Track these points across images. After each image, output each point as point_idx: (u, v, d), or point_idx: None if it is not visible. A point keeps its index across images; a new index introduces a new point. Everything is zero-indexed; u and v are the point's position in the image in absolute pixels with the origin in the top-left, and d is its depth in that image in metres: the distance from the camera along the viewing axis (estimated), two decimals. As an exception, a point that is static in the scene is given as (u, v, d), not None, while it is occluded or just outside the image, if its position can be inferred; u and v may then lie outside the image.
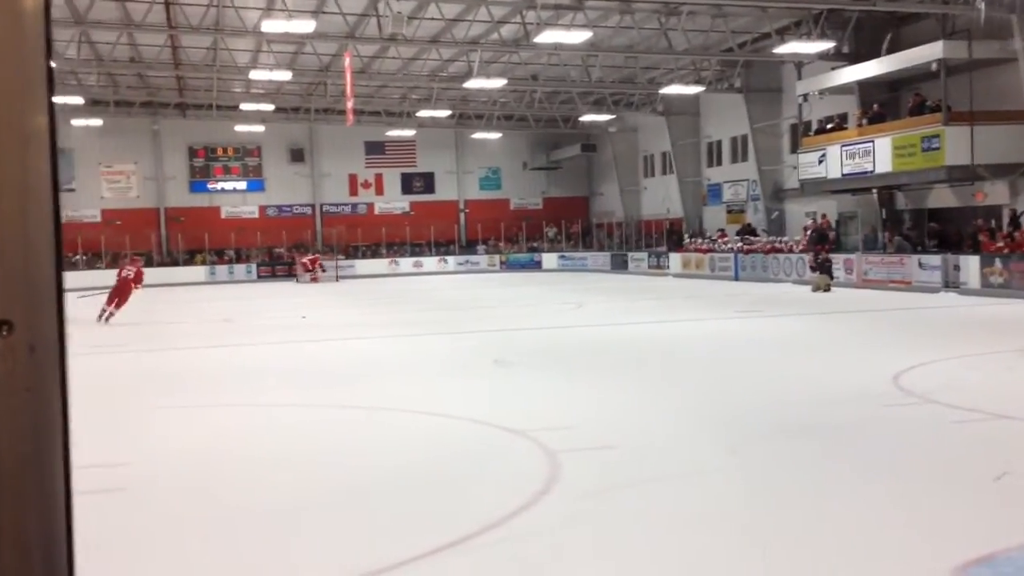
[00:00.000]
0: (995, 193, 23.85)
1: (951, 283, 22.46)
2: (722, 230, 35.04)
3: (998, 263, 21.26)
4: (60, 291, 1.16)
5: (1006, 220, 22.95)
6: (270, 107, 39.74)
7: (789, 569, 4.52)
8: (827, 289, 24.16)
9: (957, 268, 22.53)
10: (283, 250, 44.77)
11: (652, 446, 7.22)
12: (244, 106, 39.30)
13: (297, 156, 46.10)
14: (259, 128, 42.49)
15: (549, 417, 8.36)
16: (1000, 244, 21.66)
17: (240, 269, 43.01)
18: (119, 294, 20.71)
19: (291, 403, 9.73)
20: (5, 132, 1.11)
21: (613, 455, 6.88)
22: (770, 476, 6.25)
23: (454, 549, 4.87)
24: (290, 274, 41.72)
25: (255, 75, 31.61)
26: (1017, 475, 5.96)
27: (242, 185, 45.59)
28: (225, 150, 45.20)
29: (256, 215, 45.76)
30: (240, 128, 42.40)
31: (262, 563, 4.83)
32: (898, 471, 6.24)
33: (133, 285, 21.07)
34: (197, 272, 42.15)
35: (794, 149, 30.38)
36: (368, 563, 4.67)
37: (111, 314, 20.18)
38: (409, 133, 44.38)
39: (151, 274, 40.91)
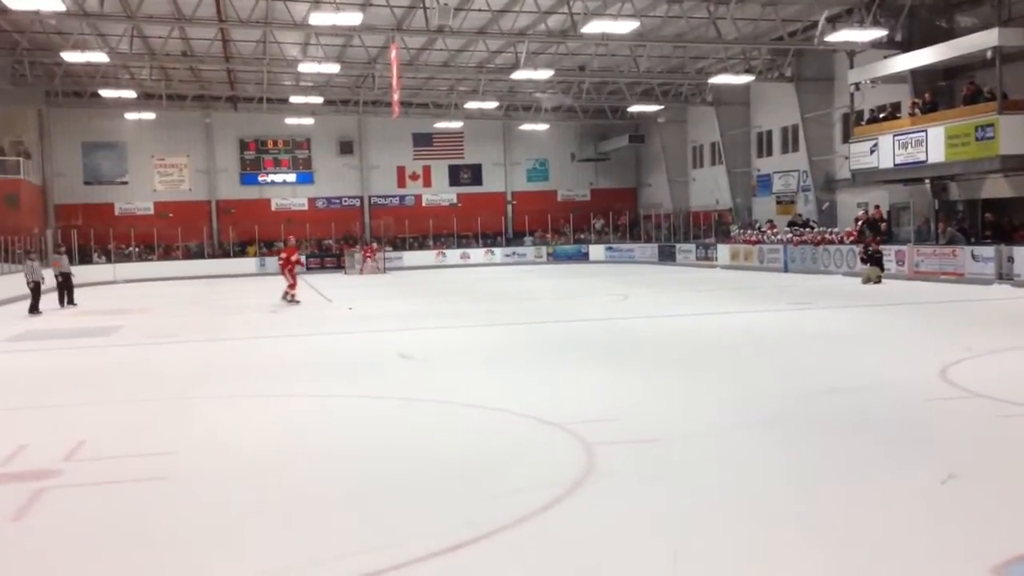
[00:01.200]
0: (1053, 183, 23.34)
1: (1004, 275, 22.03)
2: (771, 221, 34.65)
3: (1055, 255, 20.78)
4: None
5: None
6: (319, 100, 40.06)
7: (825, 561, 4.47)
8: (878, 281, 23.81)
9: (1011, 260, 22.09)
10: (332, 242, 45.14)
11: (694, 439, 7.16)
12: (294, 99, 39.67)
13: (346, 148, 46.43)
14: (308, 120, 42.86)
15: (590, 409, 8.34)
16: (1057, 235, 21.18)
17: (289, 261, 43.36)
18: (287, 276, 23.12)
19: (337, 394, 9.82)
20: None
21: (653, 448, 6.85)
22: (812, 469, 6.18)
23: (488, 540, 4.89)
24: (339, 266, 42.06)
25: (304, 68, 31.89)
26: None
27: (292, 177, 46.05)
28: (275, 143, 45.69)
29: (305, 207, 46.21)
30: (290, 121, 42.82)
31: (297, 550, 4.88)
32: (942, 465, 6.13)
33: (291, 265, 23.17)
34: (248, 264, 42.68)
35: (846, 139, 29.94)
36: (401, 553, 4.70)
37: (291, 296, 22.69)
38: (456, 125, 44.51)
39: (202, 266, 41.76)
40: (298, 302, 22.27)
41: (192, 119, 43.63)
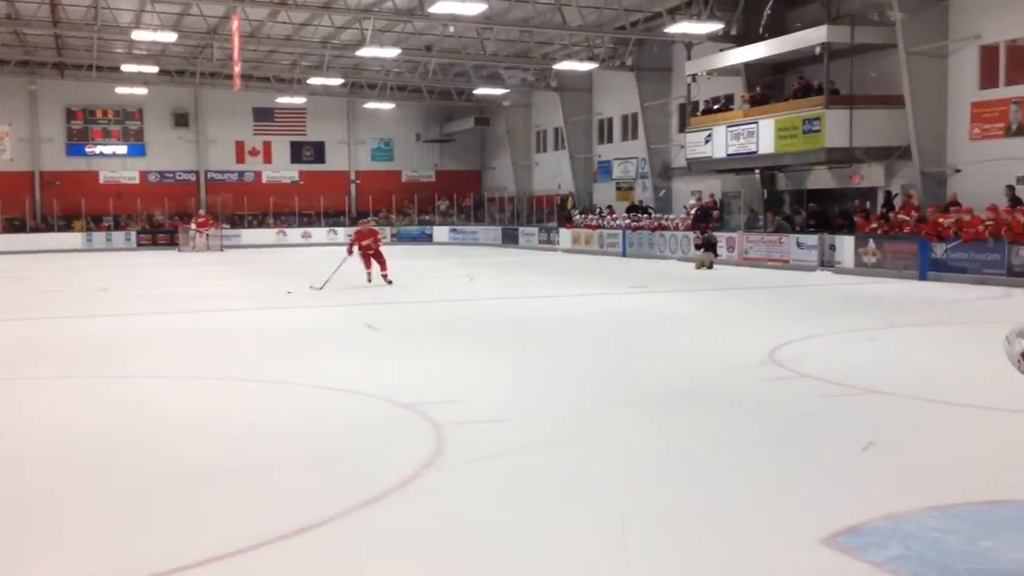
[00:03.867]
0: (871, 175, 24.80)
1: (827, 262, 23.30)
2: (611, 206, 35.50)
3: (871, 243, 22.13)
4: None
5: (880, 202, 23.90)
6: (154, 69, 38.38)
7: (657, 539, 4.65)
8: (710, 266, 24.77)
9: (833, 248, 23.39)
10: (164, 217, 43.51)
11: (540, 419, 7.30)
12: (126, 67, 37.86)
13: (181, 121, 44.79)
14: (142, 91, 41.07)
15: (439, 390, 8.38)
16: (874, 225, 22.53)
17: (119, 236, 41.63)
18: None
19: (173, 375, 9.52)
20: None
21: (501, 429, 6.95)
22: (645, 446, 6.40)
23: (331, 523, 4.86)
24: (172, 243, 40.58)
25: (138, 35, 30.51)
26: (882, 446, 6.25)
27: (122, 149, 44.08)
28: (105, 113, 43.60)
29: (137, 181, 44.33)
30: (121, 90, 40.90)
31: (136, 534, 4.72)
32: (770, 443, 6.47)
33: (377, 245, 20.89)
34: (73, 239, 40.66)
35: (682, 128, 30.93)
36: (243, 537, 4.62)
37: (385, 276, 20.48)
38: (299, 101, 43.53)
39: (23, 240, 39.48)
40: (390, 282, 20.08)
41: (15, 85, 41.14)
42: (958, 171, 22.32)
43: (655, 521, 4.88)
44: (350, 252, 20.42)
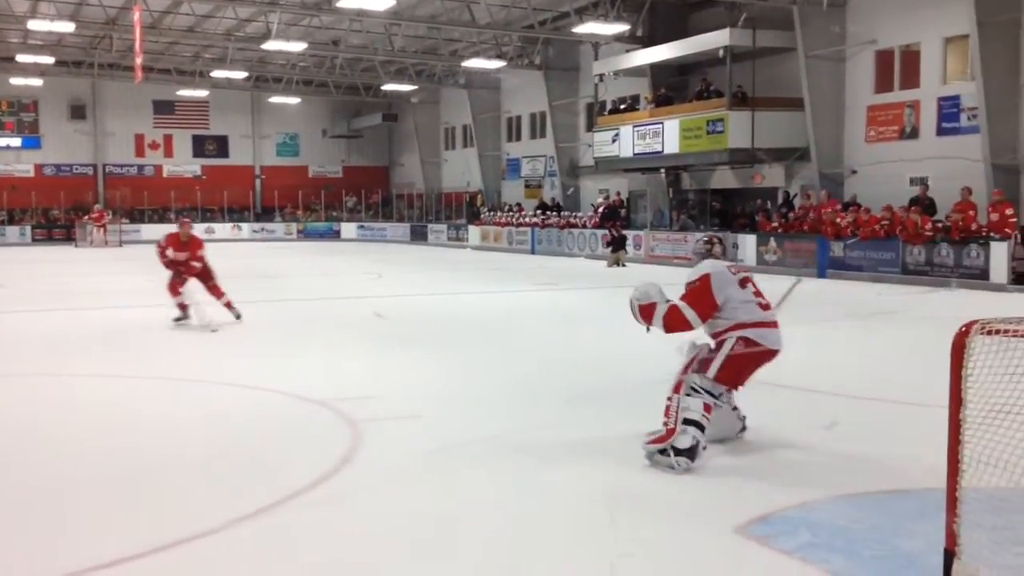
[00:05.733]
0: (772, 176, 25.47)
1: (730, 260, 23.82)
2: (519, 204, 35.69)
3: (772, 242, 22.75)
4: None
5: (780, 201, 24.57)
6: (50, 60, 37.12)
7: (572, 527, 4.73)
8: (621, 264, 25.13)
9: (736, 246, 23.93)
10: (60, 212, 42.14)
11: (454, 414, 7.34)
12: (20, 57, 36.52)
13: (78, 113, 43.47)
14: (37, 82, 39.68)
15: (353, 387, 8.34)
16: (775, 224, 23.15)
17: (12, 231, 40.21)
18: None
19: (80, 373, 9.26)
20: None
21: (416, 424, 6.97)
22: (562, 439, 6.49)
23: (247, 521, 4.82)
24: (68, 237, 39.33)
25: (34, 25, 29.48)
26: (790, 439, 6.45)
27: (16, 142, 42.56)
28: (-3, 104, 42.03)
29: (31, 174, 42.86)
30: (15, 81, 39.48)
31: (38, 539, 4.61)
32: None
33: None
34: (-36, 233, 39.11)
35: (590, 127, 31.29)
36: (153, 539, 4.55)
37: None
38: (202, 94, 42.63)
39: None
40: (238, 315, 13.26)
41: (-103, 73, 39.39)
42: (855, 172, 23.11)
43: (572, 511, 4.96)
44: (167, 267, 13.03)
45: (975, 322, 3.57)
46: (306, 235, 43.88)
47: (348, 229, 44.47)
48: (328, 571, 4.25)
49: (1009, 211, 18.17)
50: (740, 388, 6.06)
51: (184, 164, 45.64)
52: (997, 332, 3.58)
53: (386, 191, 48.00)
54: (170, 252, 12.94)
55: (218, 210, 44.65)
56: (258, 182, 47.05)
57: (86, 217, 38.16)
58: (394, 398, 7.90)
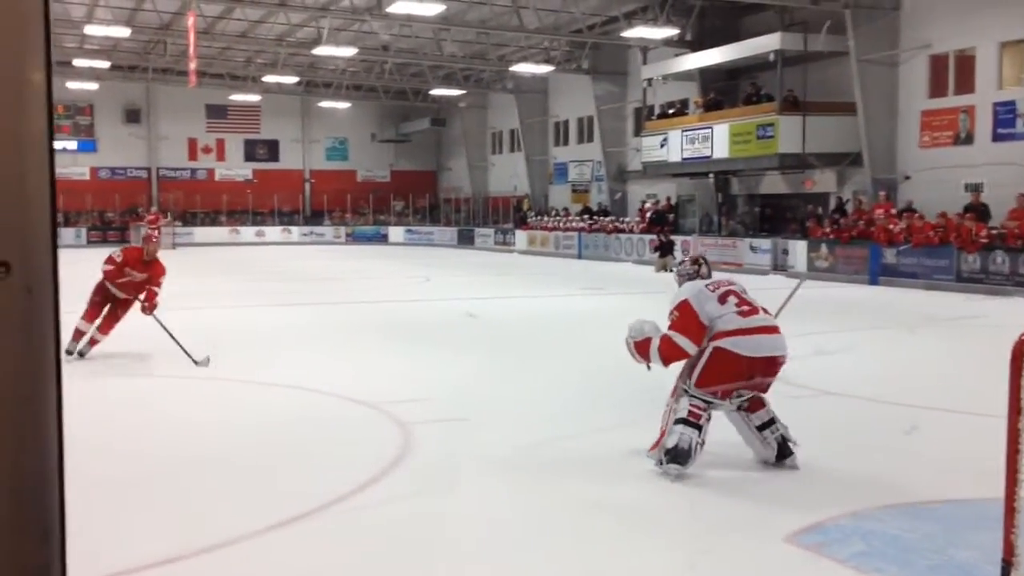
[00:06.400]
0: (823, 181, 25.19)
1: (779, 266, 23.64)
2: (566, 208, 35.68)
3: (823, 248, 22.50)
4: (54, 236, 1.22)
5: (831, 207, 24.30)
6: (105, 64, 37.88)
7: (625, 537, 4.72)
8: (669, 269, 25.00)
9: (785, 252, 23.73)
10: (115, 215, 42.89)
11: (502, 418, 7.36)
12: (77, 62, 37.30)
13: (133, 117, 44.21)
14: (92, 86, 40.44)
15: (402, 390, 8.39)
16: (826, 230, 22.90)
17: (69, 234, 40.96)
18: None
19: (133, 373, 9.43)
20: (3, 85, 1.15)
21: (464, 427, 7.01)
22: (612, 445, 6.48)
23: (304, 520, 4.88)
24: (123, 239, 39.99)
25: (90, 30, 30.07)
26: (840, 447, 6.39)
27: (72, 145, 43.32)
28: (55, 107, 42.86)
29: (87, 177, 43.61)
30: (72, 85, 40.24)
31: (99, 530, 4.70)
32: (734, 444, 6.57)
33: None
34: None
35: (638, 132, 31.18)
36: (213, 536, 4.62)
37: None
38: (253, 98, 43.20)
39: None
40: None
41: (-40, 77, 40.27)
42: (908, 178, 22.78)
43: (624, 519, 4.96)
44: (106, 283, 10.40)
45: (1035, 330, 3.52)
46: (354, 239, 44.22)
47: (396, 233, 44.74)
48: (371, 571, 4.29)
49: (1067, 218, 17.81)
50: (730, 399, 5.75)
51: (236, 168, 46.23)
52: (1058, 340, 3.52)
53: (434, 195, 48.22)
54: (129, 271, 10.24)
55: (268, 213, 45.18)
56: (308, 186, 47.51)
57: (145, 218, 38.68)
58: (441, 401, 7.93)
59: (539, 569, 4.32)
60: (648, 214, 29.41)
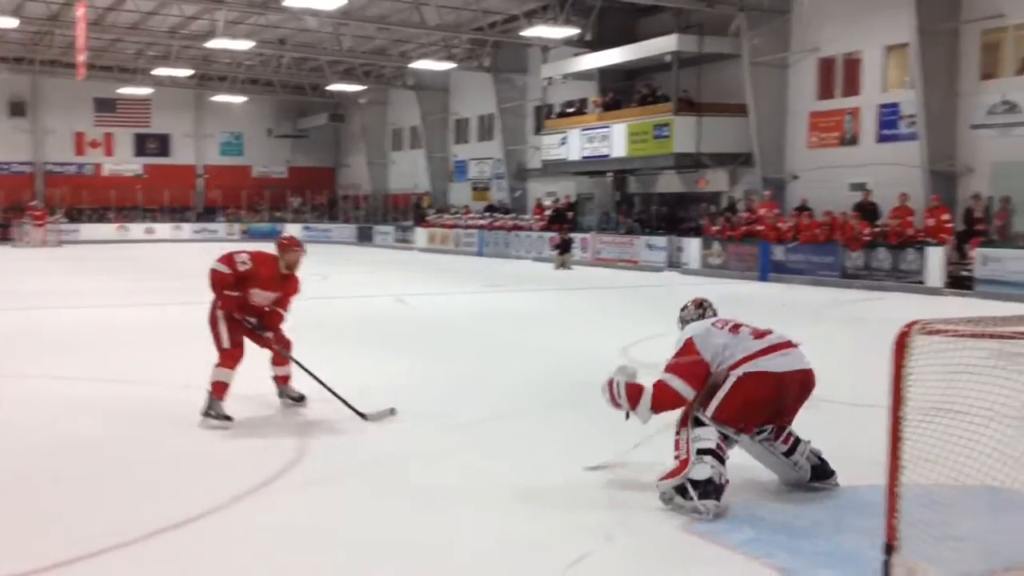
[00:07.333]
0: (716, 180, 25.80)
1: (674, 263, 24.12)
2: (467, 206, 35.70)
3: (716, 245, 23.04)
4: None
5: (724, 206, 24.89)
6: (-11, 56, 36.34)
7: (527, 525, 4.76)
8: (568, 267, 25.27)
9: (680, 249, 24.22)
10: (-3, 211, 41.21)
11: (399, 415, 7.33)
12: (-44, 52, 35.73)
13: (17, 110, 42.50)
14: (-26, 78, 38.82)
15: (297, 388, 8.27)
16: (718, 228, 23.44)
17: (-53, 230, 39.20)
18: None
19: (29, 375, 9.09)
20: None
21: (362, 425, 6.96)
22: (512, 434, 6.53)
23: (201, 520, 4.79)
24: (5, 237, 38.45)
25: (-28, 20, 28.84)
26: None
27: (-49, 139, 41.56)
28: (-69, 99, 41.01)
29: (-33, 172, 41.88)
30: (-49, 77, 38.59)
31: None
32: (609, 433, 6.68)
33: None
34: None
35: (538, 130, 31.40)
36: (101, 540, 4.50)
37: None
38: (144, 92, 41.96)
39: None
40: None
41: None
42: (796, 177, 23.50)
43: (526, 509, 5.00)
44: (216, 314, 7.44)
45: (916, 322, 3.67)
46: (250, 235, 43.33)
47: (293, 230, 43.85)
48: (264, 571, 4.24)
49: (945, 217, 18.61)
50: (751, 436, 5.25)
51: (125, 163, 44.90)
52: (937, 332, 3.68)
53: (332, 192, 47.69)
54: (256, 293, 7.37)
55: (159, 209, 43.99)
56: (201, 182, 46.45)
57: (28, 223, 37.20)
58: (339, 401, 7.85)
59: (441, 552, 4.32)
60: (548, 212, 29.65)
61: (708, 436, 4.99)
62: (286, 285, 7.55)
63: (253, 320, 7.39)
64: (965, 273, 17.95)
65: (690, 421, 5.10)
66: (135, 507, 5.04)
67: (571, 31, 26.72)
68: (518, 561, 4.34)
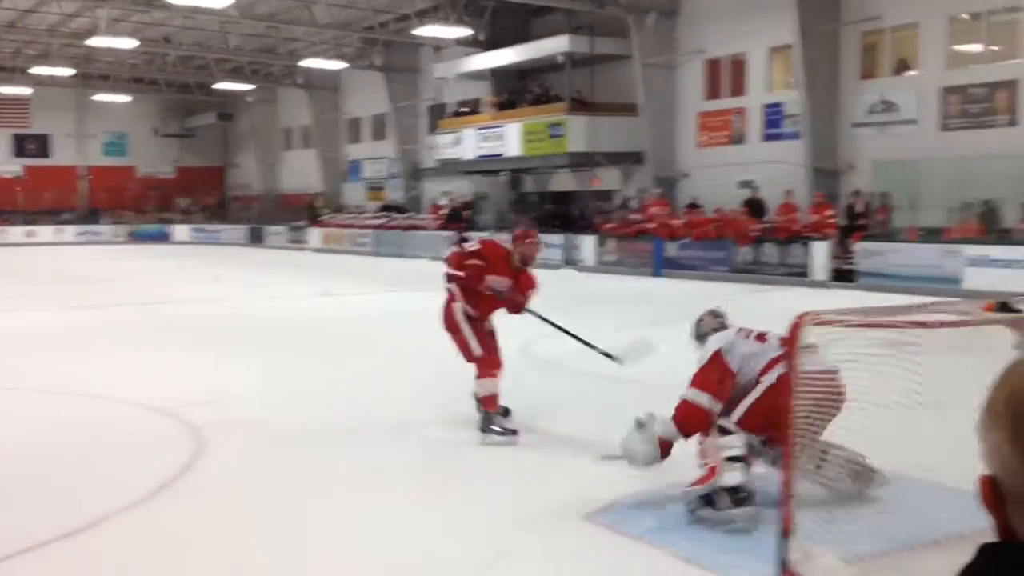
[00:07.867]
0: (609, 179, 26.17)
1: (570, 260, 24.37)
2: (360, 206, 35.38)
3: (610, 243, 23.37)
4: None
5: (617, 204, 25.28)
6: None
7: (435, 523, 4.77)
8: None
9: (576, 247, 24.49)
10: None
11: (296, 415, 7.25)
12: None
13: None
14: None
15: (194, 393, 8.10)
16: (612, 226, 23.78)
17: None
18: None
19: None
20: None
21: (259, 429, 6.85)
22: (404, 440, 6.51)
23: (90, 530, 4.65)
24: None
25: None
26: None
27: None
28: None
29: None
30: None
31: None
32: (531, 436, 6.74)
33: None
34: None
35: (432, 130, 31.33)
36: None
37: None
38: (23, 91, 40.30)
39: None
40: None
41: None
42: (686, 175, 24.00)
43: (425, 510, 4.99)
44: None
45: (807, 313, 3.80)
46: (136, 238, 42.09)
47: (181, 231, 42.89)
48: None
49: (829, 212, 19.26)
50: (776, 441, 4.59)
51: (3, 164, 43.11)
52: (828, 323, 3.82)
53: (222, 193, 46.66)
54: (493, 280, 6.99)
55: (40, 212, 42.33)
56: (84, 183, 44.90)
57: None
58: (234, 402, 7.72)
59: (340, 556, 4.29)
60: (444, 211, 29.61)
61: (736, 444, 4.77)
62: (520, 279, 7.07)
63: (502, 288, 6.87)
64: (848, 266, 18.58)
65: (715, 430, 4.87)
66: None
67: (464, 31, 26.72)
68: (436, 559, 4.34)
